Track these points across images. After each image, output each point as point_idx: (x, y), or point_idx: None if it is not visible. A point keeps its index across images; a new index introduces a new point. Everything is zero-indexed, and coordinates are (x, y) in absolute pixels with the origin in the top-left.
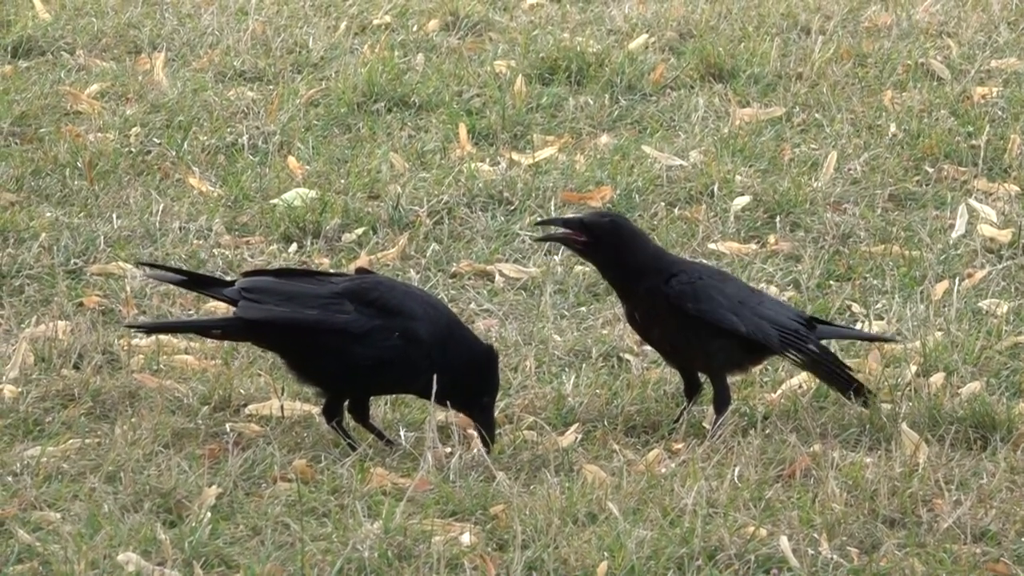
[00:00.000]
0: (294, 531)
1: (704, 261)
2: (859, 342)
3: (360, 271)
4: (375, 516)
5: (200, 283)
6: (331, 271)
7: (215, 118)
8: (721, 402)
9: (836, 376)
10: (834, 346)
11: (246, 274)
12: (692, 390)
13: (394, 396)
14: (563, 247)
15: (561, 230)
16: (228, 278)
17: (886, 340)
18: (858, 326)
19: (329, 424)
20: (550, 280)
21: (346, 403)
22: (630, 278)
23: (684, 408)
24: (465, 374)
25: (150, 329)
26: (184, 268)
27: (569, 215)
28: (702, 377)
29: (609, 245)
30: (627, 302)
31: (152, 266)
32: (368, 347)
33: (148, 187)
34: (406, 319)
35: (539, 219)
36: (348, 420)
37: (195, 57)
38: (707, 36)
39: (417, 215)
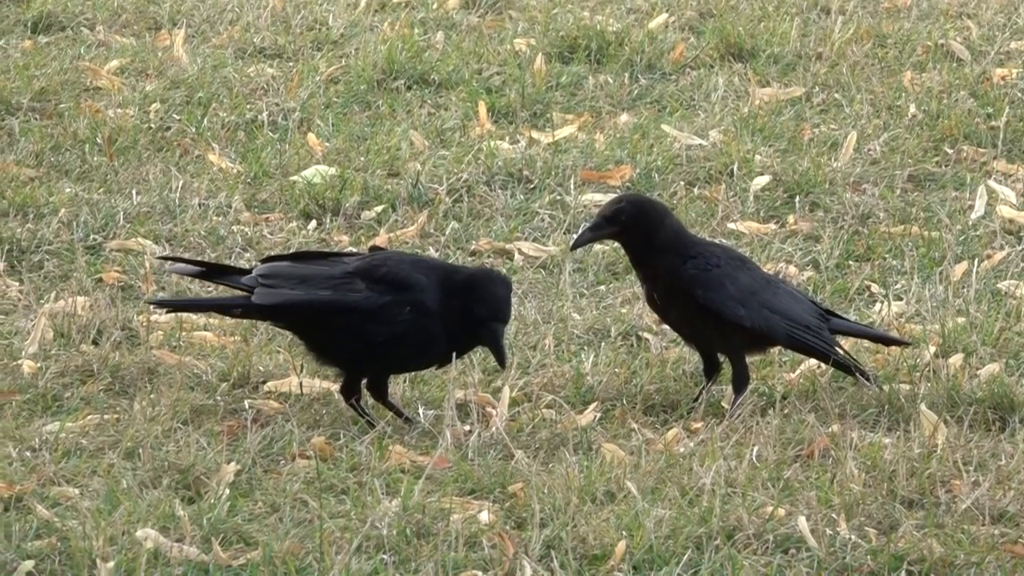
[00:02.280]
0: (312, 508)
1: (724, 242)
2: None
3: (373, 249)
4: (394, 494)
5: (218, 273)
6: (345, 251)
7: (235, 95)
8: (740, 382)
9: (848, 369)
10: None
11: (264, 260)
12: (711, 370)
13: (412, 374)
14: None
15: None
16: (246, 266)
17: (899, 343)
18: (877, 307)
19: (347, 403)
20: (569, 258)
21: (363, 381)
22: (652, 257)
23: (704, 388)
24: (466, 299)
25: (170, 307)
26: (202, 259)
27: (593, 219)
28: (721, 357)
29: (634, 228)
30: (647, 282)
31: (171, 259)
32: (381, 324)
33: (167, 163)
34: (415, 292)
35: (572, 245)
36: (366, 398)
37: (215, 33)
38: (727, 15)
39: (436, 193)
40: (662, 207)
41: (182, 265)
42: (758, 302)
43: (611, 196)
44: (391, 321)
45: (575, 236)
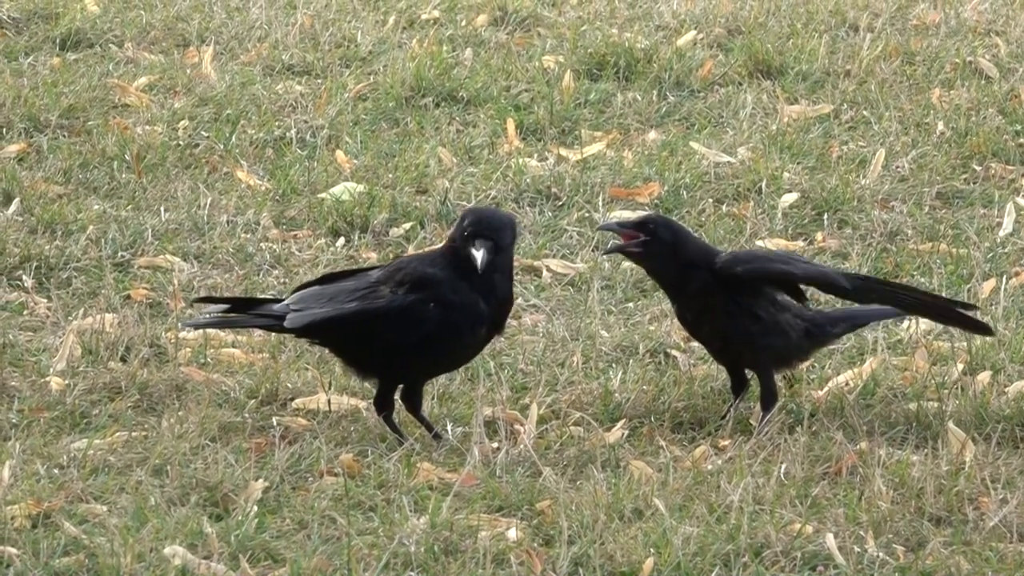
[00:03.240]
0: (340, 525)
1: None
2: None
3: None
4: (422, 511)
5: (248, 306)
6: (371, 266)
7: (263, 112)
8: (768, 399)
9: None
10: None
11: (295, 290)
12: (739, 387)
13: (441, 391)
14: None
15: (617, 239)
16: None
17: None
18: (905, 324)
19: (379, 416)
20: (597, 276)
21: (397, 395)
22: (683, 273)
23: (731, 405)
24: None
25: (207, 327)
26: (230, 295)
27: (622, 219)
28: (749, 374)
29: (664, 241)
30: (677, 301)
31: (204, 300)
32: (410, 325)
33: (196, 180)
34: (434, 287)
35: (599, 226)
36: (398, 413)
37: (243, 51)
38: (755, 33)
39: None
40: (688, 231)
41: (214, 307)
42: (798, 263)
43: (639, 214)
44: (418, 321)
45: (603, 221)
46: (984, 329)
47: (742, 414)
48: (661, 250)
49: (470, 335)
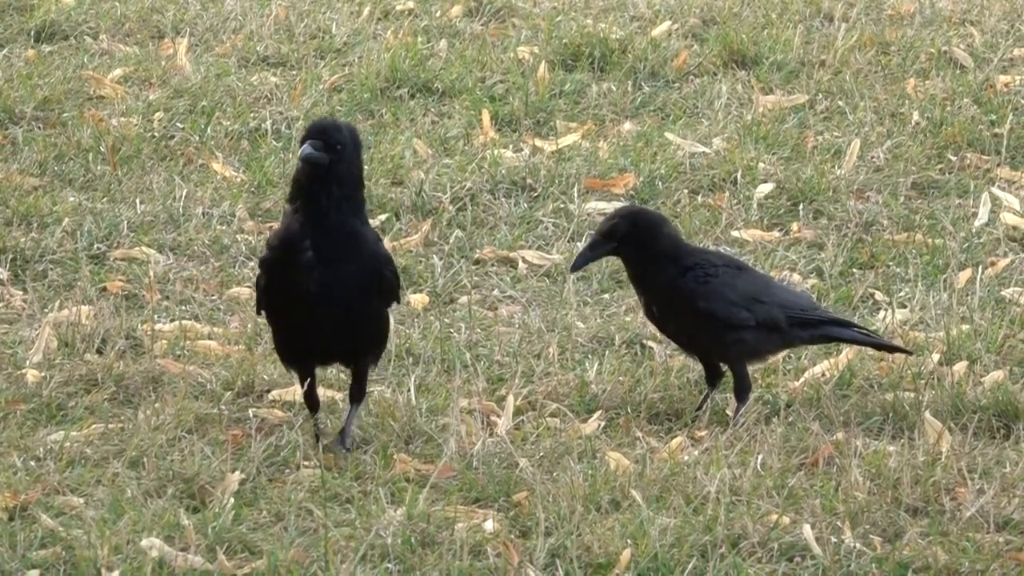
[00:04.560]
0: (317, 517)
1: (723, 249)
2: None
3: None
4: (398, 502)
5: None
6: None
7: (238, 103)
8: (742, 390)
9: (866, 342)
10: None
11: None
12: (713, 378)
13: (418, 382)
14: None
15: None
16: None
17: (902, 351)
18: (880, 314)
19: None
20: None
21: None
22: (651, 270)
23: (707, 395)
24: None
25: None
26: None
27: (590, 237)
28: (723, 365)
29: (632, 242)
30: (645, 295)
31: None
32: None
33: (171, 172)
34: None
35: (571, 266)
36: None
37: (218, 42)
38: (730, 23)
39: (440, 201)
40: (658, 217)
41: None
42: (759, 302)
43: (614, 205)
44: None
45: (574, 258)
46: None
47: (718, 405)
48: (630, 251)
49: (294, 273)
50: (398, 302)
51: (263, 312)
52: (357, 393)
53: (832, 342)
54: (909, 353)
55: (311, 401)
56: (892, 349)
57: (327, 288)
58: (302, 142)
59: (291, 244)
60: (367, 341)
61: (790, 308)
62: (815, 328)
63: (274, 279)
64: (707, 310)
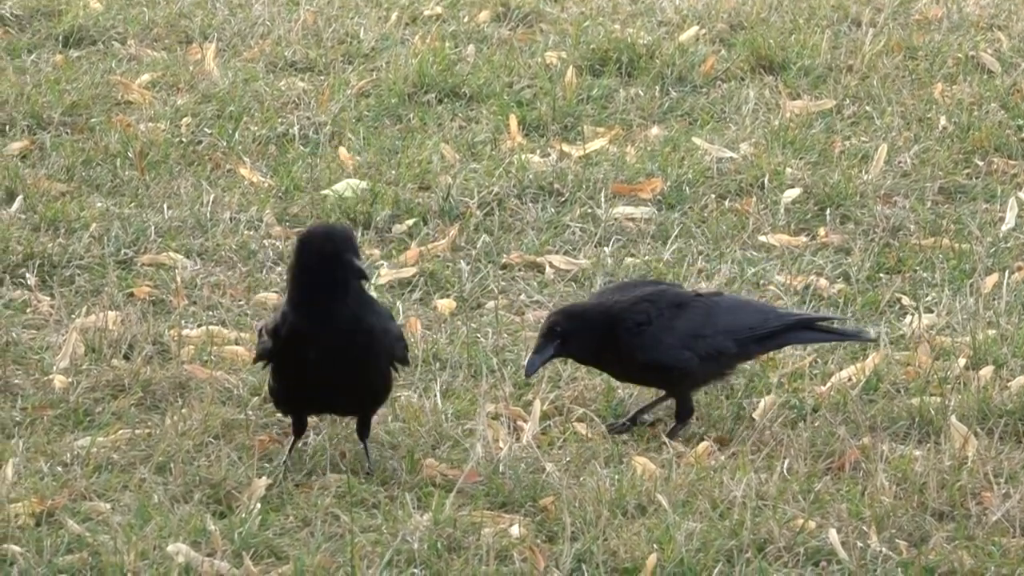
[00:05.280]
0: (344, 522)
1: (749, 253)
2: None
3: None
4: (425, 507)
5: None
6: None
7: (266, 108)
8: (684, 413)
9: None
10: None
11: None
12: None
13: (444, 387)
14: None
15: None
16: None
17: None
18: (907, 319)
19: None
20: (600, 271)
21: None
22: (593, 348)
23: (652, 403)
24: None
25: None
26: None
27: (535, 343)
28: None
29: (572, 335)
30: (598, 368)
31: None
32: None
33: (199, 177)
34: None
35: (525, 372)
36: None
37: (246, 47)
38: (758, 28)
39: (467, 206)
40: (594, 304)
41: None
42: (700, 337)
43: (641, 210)
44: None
45: (525, 364)
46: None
47: (744, 410)
48: (577, 343)
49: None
50: (407, 365)
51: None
52: (364, 432)
53: (790, 344)
54: (872, 340)
55: (299, 428)
56: (857, 338)
57: (330, 365)
58: (339, 255)
59: (300, 342)
60: (370, 399)
61: (737, 332)
62: (770, 340)
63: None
64: (646, 360)
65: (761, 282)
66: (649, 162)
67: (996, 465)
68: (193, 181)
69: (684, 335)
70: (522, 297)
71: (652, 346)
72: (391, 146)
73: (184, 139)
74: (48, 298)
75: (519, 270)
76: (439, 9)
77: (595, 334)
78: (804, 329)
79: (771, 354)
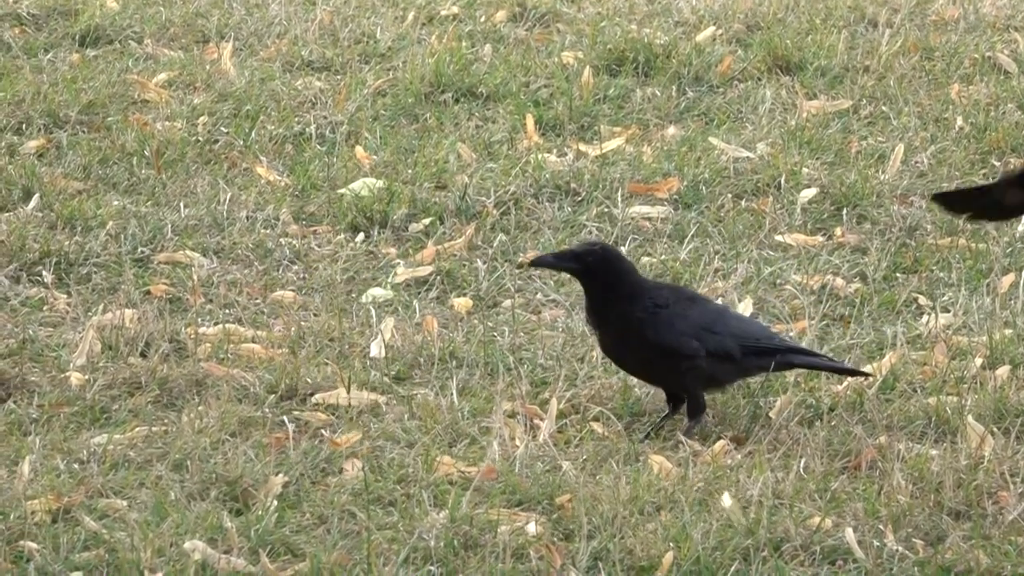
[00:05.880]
0: (360, 520)
1: (766, 253)
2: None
3: None
4: (441, 505)
5: None
6: None
7: (283, 108)
8: (696, 410)
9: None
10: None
11: None
12: (674, 401)
13: (461, 385)
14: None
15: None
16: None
17: (860, 374)
18: (924, 319)
19: None
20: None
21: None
22: (609, 304)
23: (666, 415)
24: None
25: None
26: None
27: (561, 249)
28: None
29: (598, 272)
30: (599, 328)
31: None
32: None
33: (215, 176)
34: None
35: (531, 261)
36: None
37: (263, 47)
38: (774, 28)
39: (484, 205)
40: (629, 265)
41: None
42: (711, 332)
43: (658, 209)
44: None
45: (539, 255)
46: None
47: (761, 409)
48: (594, 281)
49: None
50: None
51: None
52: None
53: (790, 368)
54: (868, 375)
55: None
56: (852, 373)
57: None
58: None
59: None
60: None
61: (744, 338)
62: (771, 356)
63: None
64: (656, 340)
65: (778, 281)
66: (666, 162)
67: (1012, 464)
68: (210, 180)
69: (696, 326)
70: (538, 296)
71: (664, 328)
72: (408, 145)
73: (201, 138)
74: (65, 296)
75: (536, 269)
76: (456, 9)
77: (615, 293)
78: (801, 354)
79: (767, 376)
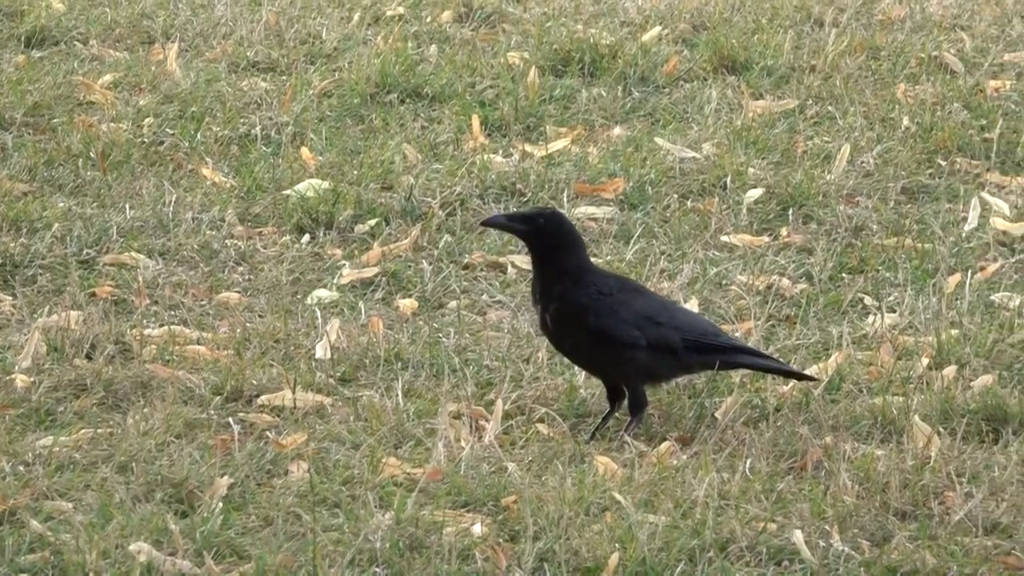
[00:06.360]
0: (306, 522)
1: (711, 254)
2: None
3: None
4: (387, 507)
5: None
6: None
7: (228, 109)
8: (636, 406)
9: (769, 368)
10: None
11: None
12: (614, 396)
13: (406, 387)
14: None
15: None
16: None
17: (805, 378)
18: (870, 319)
19: None
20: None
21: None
22: (555, 276)
23: (608, 414)
24: None
25: None
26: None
27: (513, 211)
28: None
29: (547, 236)
30: (540, 302)
31: None
32: None
33: (161, 177)
34: None
35: (483, 220)
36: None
37: (208, 47)
38: (720, 28)
39: (430, 206)
40: (578, 238)
41: None
42: (653, 323)
43: (604, 210)
44: None
45: (490, 216)
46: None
47: (706, 409)
48: (542, 246)
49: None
50: None
51: None
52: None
53: (734, 368)
54: (812, 379)
55: None
56: (798, 376)
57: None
58: None
59: None
60: None
61: (688, 332)
62: (714, 354)
63: None
64: (598, 326)
65: (724, 282)
66: (611, 162)
67: (958, 465)
68: (155, 181)
69: (638, 315)
70: (484, 297)
71: (607, 314)
72: (353, 146)
73: (146, 139)
74: (10, 298)
75: (481, 270)
76: (401, 9)
77: (562, 267)
78: (748, 355)
79: (711, 374)
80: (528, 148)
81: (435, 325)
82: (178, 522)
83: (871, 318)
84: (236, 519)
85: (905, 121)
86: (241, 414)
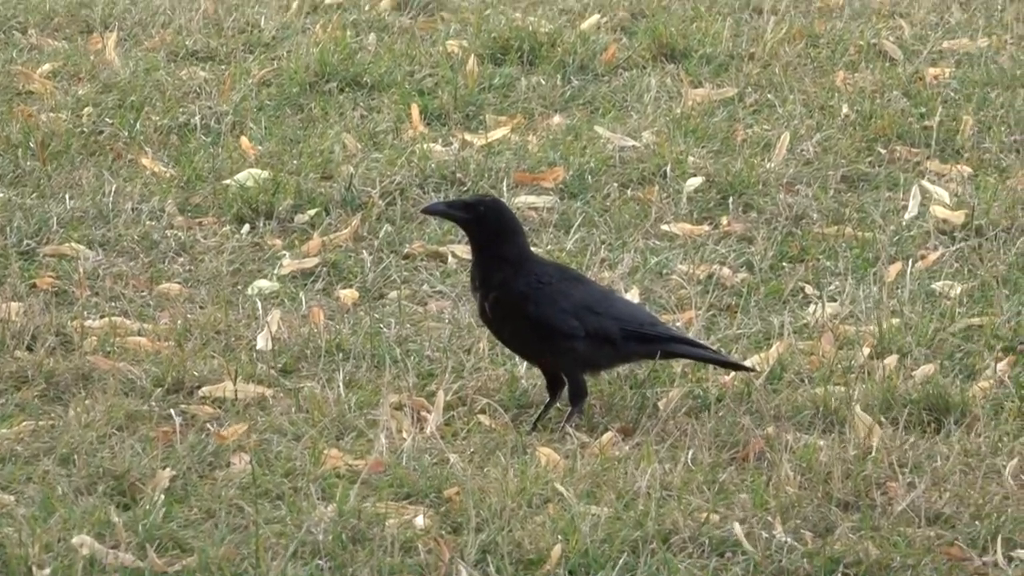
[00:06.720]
0: (248, 514)
1: (652, 243)
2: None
3: None
4: (329, 499)
5: None
6: None
7: (167, 98)
8: (576, 396)
9: (708, 359)
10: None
11: None
12: (554, 386)
13: (348, 378)
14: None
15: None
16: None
17: (742, 368)
18: (811, 308)
19: None
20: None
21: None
22: (496, 265)
23: (548, 404)
24: None
25: None
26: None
27: (453, 199)
28: None
29: (488, 224)
30: (480, 290)
31: None
32: None
33: (100, 167)
34: None
35: (423, 208)
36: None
37: (147, 37)
38: (659, 16)
39: (370, 196)
40: (518, 226)
41: None
42: (592, 313)
43: (544, 199)
44: None
45: (431, 203)
46: (747, 369)
47: (648, 400)
48: (482, 233)
49: None
50: None
51: None
52: None
53: (673, 358)
54: (751, 370)
55: None
56: (736, 367)
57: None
58: None
59: None
60: None
61: (627, 322)
62: (652, 344)
63: None
64: (536, 315)
65: (664, 271)
66: (551, 151)
67: (901, 455)
68: (95, 171)
69: (577, 305)
70: (424, 287)
71: (546, 303)
72: (293, 135)
73: (86, 129)
74: None
75: (421, 260)
76: None
77: (501, 255)
78: (687, 345)
79: (651, 363)
80: (468, 137)
81: (376, 315)
82: (120, 515)
83: (812, 307)
84: (178, 511)
85: (845, 109)
86: (183, 406)
